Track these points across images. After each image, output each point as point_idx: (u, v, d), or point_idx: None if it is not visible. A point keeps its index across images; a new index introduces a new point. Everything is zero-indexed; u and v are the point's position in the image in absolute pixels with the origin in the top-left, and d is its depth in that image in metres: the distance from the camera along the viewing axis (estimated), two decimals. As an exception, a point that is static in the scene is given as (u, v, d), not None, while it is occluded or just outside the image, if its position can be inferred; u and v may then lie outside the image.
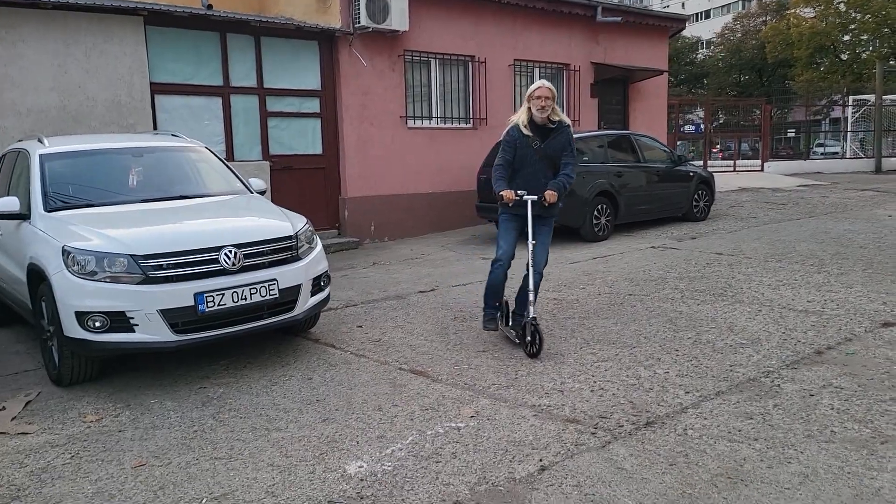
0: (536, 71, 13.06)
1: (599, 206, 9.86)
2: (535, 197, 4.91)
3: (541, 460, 3.27)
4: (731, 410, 3.77)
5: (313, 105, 10.62)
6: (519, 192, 4.90)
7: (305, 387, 4.41)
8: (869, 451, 3.22)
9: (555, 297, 6.58)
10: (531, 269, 4.90)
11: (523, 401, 4.04)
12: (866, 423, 3.51)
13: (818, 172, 21.95)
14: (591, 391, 4.15)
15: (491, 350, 5.05)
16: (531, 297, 4.82)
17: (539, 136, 4.96)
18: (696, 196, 11.53)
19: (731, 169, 20.98)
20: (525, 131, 4.94)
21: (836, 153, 28.36)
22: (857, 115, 26.76)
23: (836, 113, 32.65)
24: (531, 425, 3.68)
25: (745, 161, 24.76)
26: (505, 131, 5.07)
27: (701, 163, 19.56)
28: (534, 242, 4.90)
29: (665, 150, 11.76)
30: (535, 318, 4.80)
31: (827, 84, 36.85)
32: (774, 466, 3.11)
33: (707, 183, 11.85)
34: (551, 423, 3.70)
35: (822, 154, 29.92)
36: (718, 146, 34.74)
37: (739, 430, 3.51)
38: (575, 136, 10.07)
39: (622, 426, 3.62)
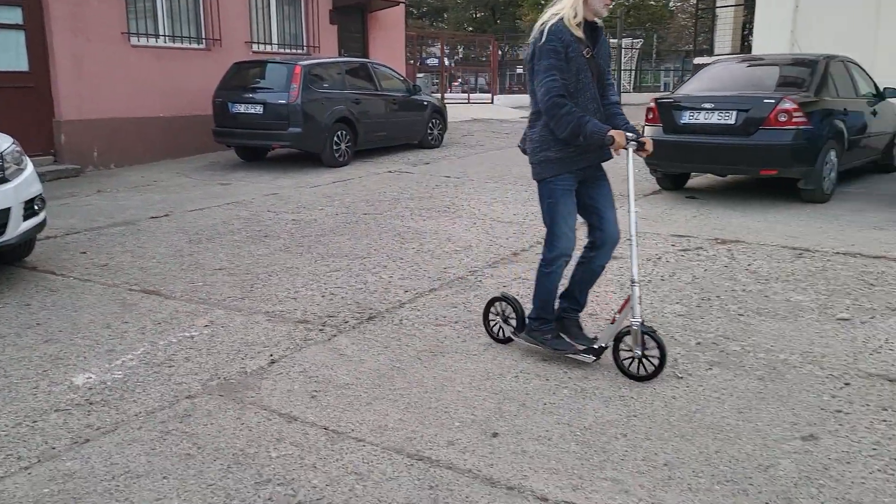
0: (273, -7, 12.76)
1: (339, 133, 10.16)
2: (636, 142, 3.21)
3: (271, 355, 3.58)
4: (440, 302, 4.39)
5: (15, 15, 9.36)
6: (629, 134, 3.18)
7: (23, 312, 4.20)
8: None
9: (293, 219, 6.82)
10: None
11: (258, 309, 4.29)
12: (541, 303, 4.35)
13: (539, 106, 24.42)
14: (323, 296, 4.53)
15: (228, 268, 5.18)
16: (636, 290, 3.15)
17: (590, 41, 3.25)
18: (430, 125, 12.33)
19: (466, 101, 22.52)
20: (577, 33, 3.16)
21: (556, 89, 31.56)
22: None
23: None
24: (264, 328, 3.96)
25: (481, 94, 26.67)
26: (543, 33, 3.14)
27: (439, 94, 20.70)
28: (637, 211, 3.32)
29: (401, 80, 12.34)
30: (643, 322, 3.20)
31: (550, 25, 40.42)
32: (468, 340, 3.76)
33: (440, 112, 12.70)
34: (283, 325, 4.01)
35: (544, 89, 33.07)
36: (460, 80, 36.71)
37: (444, 317, 4.13)
38: (314, 62, 10.35)
39: (347, 322, 4.06)
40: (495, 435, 2.77)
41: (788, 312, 4.08)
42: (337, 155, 10.15)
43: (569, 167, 3.25)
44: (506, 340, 3.68)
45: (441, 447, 2.68)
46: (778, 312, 4.09)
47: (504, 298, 3.69)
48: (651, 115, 7.52)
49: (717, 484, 2.42)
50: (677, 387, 3.17)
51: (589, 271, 3.46)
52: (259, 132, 9.81)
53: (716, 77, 8.00)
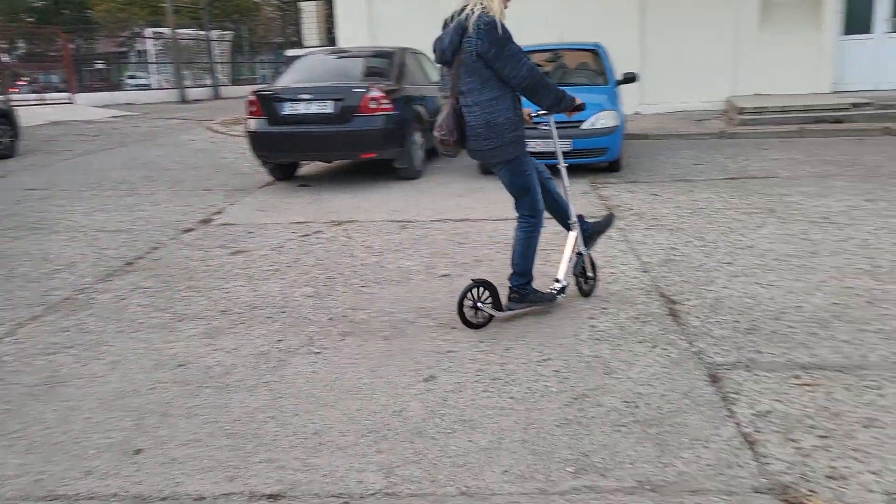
0: None
1: None
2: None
3: None
4: (48, 329, 3.89)
5: None
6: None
7: None
8: (169, 329, 3.84)
9: None
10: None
11: None
12: (167, 310, 4.14)
13: (130, 104, 22.70)
14: None
15: None
16: (577, 227, 3.96)
17: None
18: (-3, 131, 10.57)
19: (40, 102, 19.74)
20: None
21: (147, 84, 29.61)
22: (157, 47, 28.32)
23: (143, 45, 33.73)
24: None
25: (57, 94, 23.57)
26: (497, 24, 3.39)
27: (1, 97, 17.72)
28: (566, 165, 4.02)
29: (-52, 79, 10.31)
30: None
31: (126, 15, 37.47)
32: (89, 363, 3.42)
33: (8, 117, 10.99)
34: None
35: (133, 85, 30.74)
36: (27, 78, 31.91)
37: (56, 343, 3.67)
38: None
39: (-76, 374, 3.34)
40: (138, 452, 2.60)
41: (401, 277, 4.59)
42: None
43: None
44: (485, 323, 3.74)
45: (77, 480, 2.42)
46: (393, 279, 4.57)
47: (478, 284, 3.69)
48: (254, 109, 7.60)
49: (361, 438, 2.66)
50: (316, 361, 3.36)
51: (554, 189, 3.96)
52: None
53: (309, 69, 8.42)
